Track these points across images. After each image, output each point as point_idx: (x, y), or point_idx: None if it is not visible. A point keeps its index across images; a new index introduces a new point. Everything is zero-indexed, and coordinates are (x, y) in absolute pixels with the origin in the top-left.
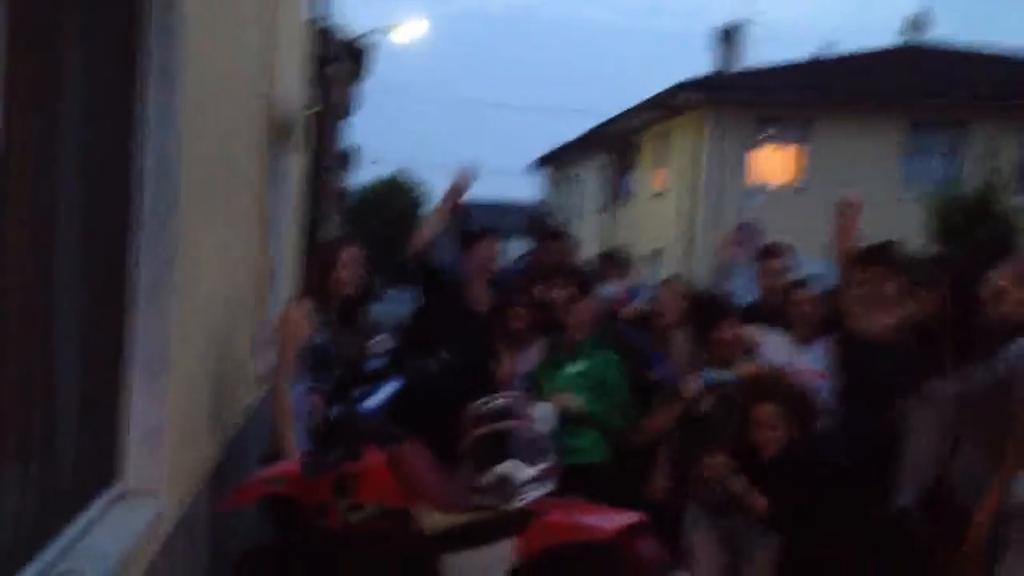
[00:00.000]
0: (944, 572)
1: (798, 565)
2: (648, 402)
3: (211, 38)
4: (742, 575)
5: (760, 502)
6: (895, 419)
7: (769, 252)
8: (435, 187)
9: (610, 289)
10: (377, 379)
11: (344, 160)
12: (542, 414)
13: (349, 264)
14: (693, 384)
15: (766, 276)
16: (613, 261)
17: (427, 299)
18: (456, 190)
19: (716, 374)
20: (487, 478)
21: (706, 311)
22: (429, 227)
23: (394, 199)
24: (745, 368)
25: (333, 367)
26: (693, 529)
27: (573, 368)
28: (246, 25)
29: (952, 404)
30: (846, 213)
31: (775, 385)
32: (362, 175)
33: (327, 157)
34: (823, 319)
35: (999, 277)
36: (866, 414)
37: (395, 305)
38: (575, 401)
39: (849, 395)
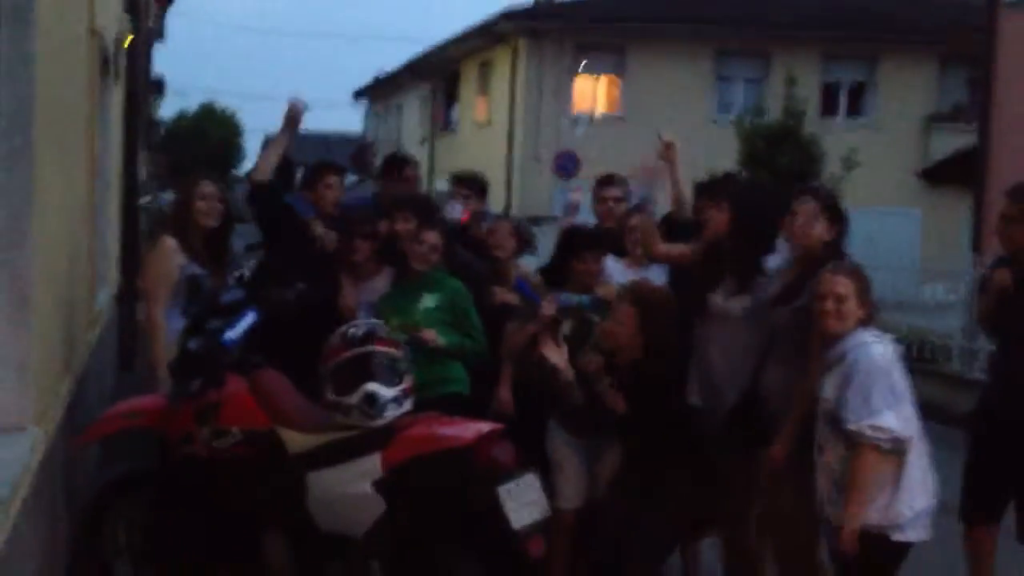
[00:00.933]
0: (755, 476)
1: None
2: (491, 323)
3: None
4: (597, 479)
5: (619, 403)
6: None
7: (604, 181)
8: (248, 118)
9: (456, 208)
10: (233, 311)
11: (158, 89)
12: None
13: (207, 198)
14: (548, 306)
15: (602, 204)
16: (466, 183)
17: (273, 232)
18: (291, 119)
19: (572, 297)
20: (352, 398)
21: (570, 242)
22: (268, 159)
23: (209, 130)
24: (605, 289)
25: (206, 298)
26: (555, 444)
27: (426, 302)
28: None
29: (750, 320)
30: (667, 152)
31: (634, 287)
32: (167, 107)
33: (140, 87)
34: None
35: (797, 212)
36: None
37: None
38: (438, 340)
39: None
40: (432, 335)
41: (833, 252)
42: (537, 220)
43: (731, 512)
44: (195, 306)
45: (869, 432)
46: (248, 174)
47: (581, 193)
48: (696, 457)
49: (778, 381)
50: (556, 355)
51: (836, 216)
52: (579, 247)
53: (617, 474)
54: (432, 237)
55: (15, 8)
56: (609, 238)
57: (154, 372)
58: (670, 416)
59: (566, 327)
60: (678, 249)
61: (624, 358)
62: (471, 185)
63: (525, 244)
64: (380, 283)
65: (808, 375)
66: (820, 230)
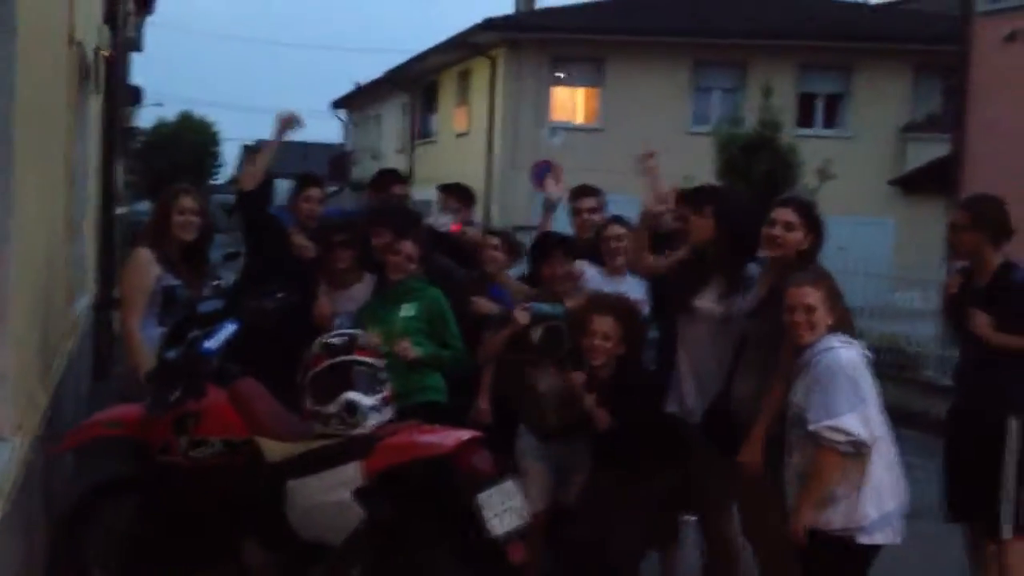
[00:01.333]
0: (731, 472)
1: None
2: (471, 330)
3: None
4: (567, 487)
5: (604, 417)
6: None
7: (581, 192)
8: (225, 127)
9: (445, 220)
10: (213, 320)
11: (135, 98)
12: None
13: (186, 212)
14: (522, 314)
15: (578, 214)
16: (455, 194)
17: (256, 241)
18: (283, 129)
19: (545, 306)
20: (331, 407)
21: (539, 247)
22: (255, 168)
23: (187, 139)
24: (575, 300)
25: (182, 309)
26: (523, 450)
27: (405, 312)
28: None
29: (724, 324)
30: (647, 165)
31: (615, 301)
32: (144, 116)
33: (117, 96)
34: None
35: (775, 221)
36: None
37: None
38: (412, 352)
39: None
40: (406, 348)
41: (807, 260)
42: (517, 229)
43: (710, 507)
44: (170, 317)
45: (827, 434)
46: (236, 182)
47: (562, 187)
48: (670, 460)
49: (748, 389)
50: (588, 402)
51: (813, 225)
52: (547, 249)
53: (589, 478)
54: (407, 247)
55: None
56: (586, 249)
57: (135, 379)
58: (651, 422)
59: (535, 333)
60: (665, 262)
61: (605, 372)
62: (460, 196)
63: (516, 256)
64: (361, 291)
65: (775, 385)
66: (797, 238)
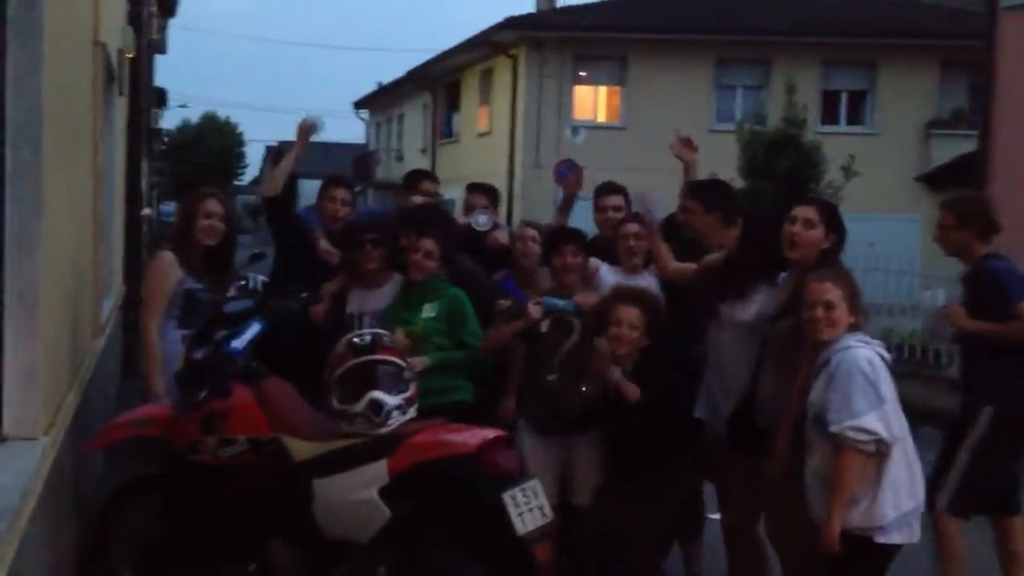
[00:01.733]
0: (752, 483)
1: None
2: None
3: None
4: (570, 478)
5: (633, 390)
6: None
7: (604, 190)
8: (249, 128)
9: (483, 219)
10: (239, 321)
11: (160, 100)
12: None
13: (211, 216)
14: (536, 308)
15: (602, 212)
16: (484, 192)
17: (284, 243)
18: (305, 133)
19: (559, 301)
20: (357, 407)
21: (551, 239)
22: (278, 174)
23: (211, 140)
24: (584, 296)
25: (203, 312)
26: (523, 442)
27: (427, 312)
28: None
29: (750, 331)
30: (685, 151)
31: (640, 293)
32: (169, 118)
33: (142, 97)
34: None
35: (796, 218)
36: (683, 338)
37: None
38: (420, 365)
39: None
40: (415, 364)
41: (829, 259)
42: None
43: (735, 511)
44: (191, 320)
45: (850, 434)
46: (260, 183)
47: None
48: (681, 454)
49: (771, 393)
50: (616, 374)
51: (834, 224)
52: (557, 241)
53: (603, 476)
54: (427, 244)
55: (24, 21)
56: (609, 246)
57: (146, 383)
58: (675, 415)
59: (544, 326)
60: (690, 267)
61: (628, 362)
62: (489, 194)
63: None
64: (389, 291)
65: (796, 389)
66: (817, 237)
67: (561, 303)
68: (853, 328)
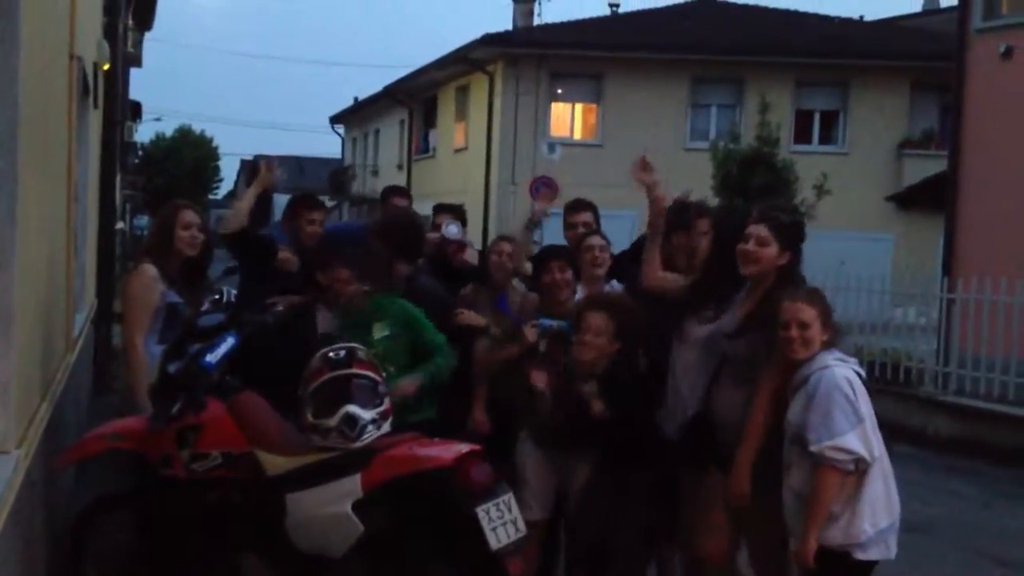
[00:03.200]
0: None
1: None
2: (459, 343)
3: None
4: (569, 492)
5: (598, 406)
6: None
7: (573, 207)
8: (224, 142)
9: (454, 228)
10: (212, 334)
11: (134, 113)
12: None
13: (189, 227)
14: (531, 331)
15: (571, 229)
16: (450, 212)
17: (251, 263)
18: (261, 183)
19: (553, 322)
20: (331, 421)
21: (540, 258)
22: (238, 213)
23: (185, 153)
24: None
25: (181, 324)
26: (523, 454)
27: (378, 332)
28: None
29: (707, 345)
30: (643, 175)
31: (612, 298)
32: (143, 131)
33: (117, 110)
34: (613, 266)
35: (749, 236)
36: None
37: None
38: (412, 388)
39: None
40: (405, 388)
41: (787, 277)
42: None
43: (689, 524)
44: (172, 334)
45: (830, 453)
46: (234, 196)
47: (550, 205)
48: (652, 458)
49: (728, 406)
50: (541, 381)
51: (789, 241)
52: (544, 259)
53: (586, 482)
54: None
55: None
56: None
57: (133, 398)
58: (642, 421)
59: (542, 346)
60: (672, 279)
61: (598, 368)
62: (455, 214)
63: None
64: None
65: (758, 406)
66: (771, 254)
67: (557, 323)
68: (827, 345)
